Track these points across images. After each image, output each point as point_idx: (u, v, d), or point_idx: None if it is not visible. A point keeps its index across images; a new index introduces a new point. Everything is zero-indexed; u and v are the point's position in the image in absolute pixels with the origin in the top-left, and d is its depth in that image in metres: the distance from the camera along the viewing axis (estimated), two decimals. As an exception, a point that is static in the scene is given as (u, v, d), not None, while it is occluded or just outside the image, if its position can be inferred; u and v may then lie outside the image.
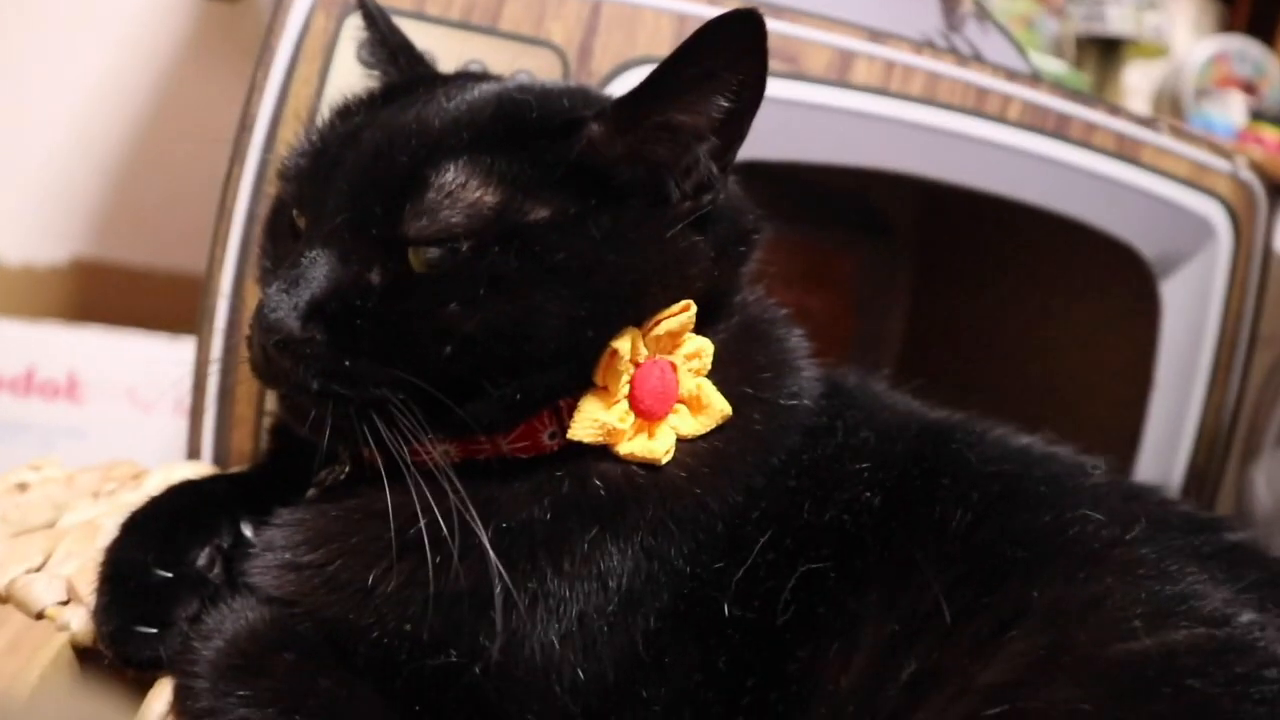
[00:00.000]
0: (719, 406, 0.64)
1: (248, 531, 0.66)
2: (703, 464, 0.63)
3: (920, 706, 0.54)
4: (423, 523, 0.57)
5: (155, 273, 1.80)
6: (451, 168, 0.59)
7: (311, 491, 0.66)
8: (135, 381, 1.43)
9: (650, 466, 0.62)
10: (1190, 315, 1.16)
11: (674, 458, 0.63)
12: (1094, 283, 1.26)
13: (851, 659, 0.57)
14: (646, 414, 0.62)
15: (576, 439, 0.61)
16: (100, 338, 1.44)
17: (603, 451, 0.62)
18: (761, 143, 0.96)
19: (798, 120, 0.98)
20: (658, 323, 0.62)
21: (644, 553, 0.60)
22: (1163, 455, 1.17)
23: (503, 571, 0.57)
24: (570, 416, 0.61)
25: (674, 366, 0.63)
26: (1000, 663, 0.54)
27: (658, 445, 0.62)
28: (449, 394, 0.58)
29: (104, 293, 1.80)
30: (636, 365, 0.62)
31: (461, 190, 0.58)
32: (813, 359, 0.72)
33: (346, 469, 0.66)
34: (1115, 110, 1.10)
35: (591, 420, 0.61)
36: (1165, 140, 1.10)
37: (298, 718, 0.55)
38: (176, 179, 1.79)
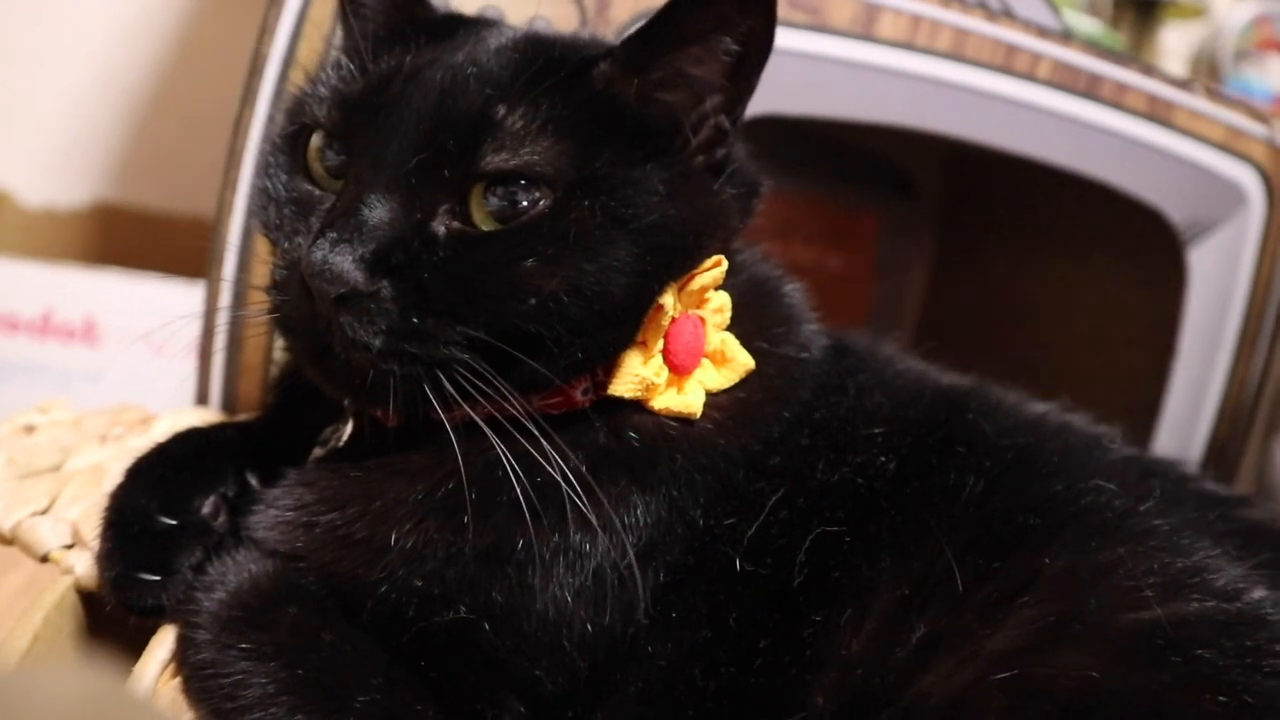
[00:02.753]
0: (743, 360, 0.64)
1: (253, 481, 0.66)
2: (727, 415, 0.64)
3: (929, 670, 0.54)
4: (463, 479, 0.56)
5: (175, 217, 1.80)
6: (520, 110, 0.57)
7: (317, 450, 0.66)
8: (152, 325, 1.43)
9: (683, 419, 0.62)
10: (1217, 284, 1.13)
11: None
12: (1120, 248, 1.24)
13: (863, 623, 0.57)
14: (679, 369, 0.62)
15: (617, 394, 0.60)
16: (118, 281, 1.44)
17: (635, 405, 0.62)
18: (782, 96, 0.95)
19: (820, 74, 0.96)
20: (692, 278, 0.62)
21: (667, 504, 0.60)
22: (1183, 426, 1.15)
23: (531, 527, 0.57)
24: (604, 374, 0.61)
25: (703, 321, 0.63)
26: (1010, 628, 0.54)
27: (692, 400, 0.62)
28: (510, 360, 0.56)
29: (124, 236, 1.80)
30: (672, 321, 0.62)
31: (538, 135, 0.57)
32: (813, 313, 0.72)
33: (349, 428, 0.65)
34: (1149, 71, 1.06)
35: (632, 375, 0.61)
36: (1199, 103, 1.07)
37: (300, 671, 0.55)
38: (198, 122, 1.78)
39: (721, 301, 0.64)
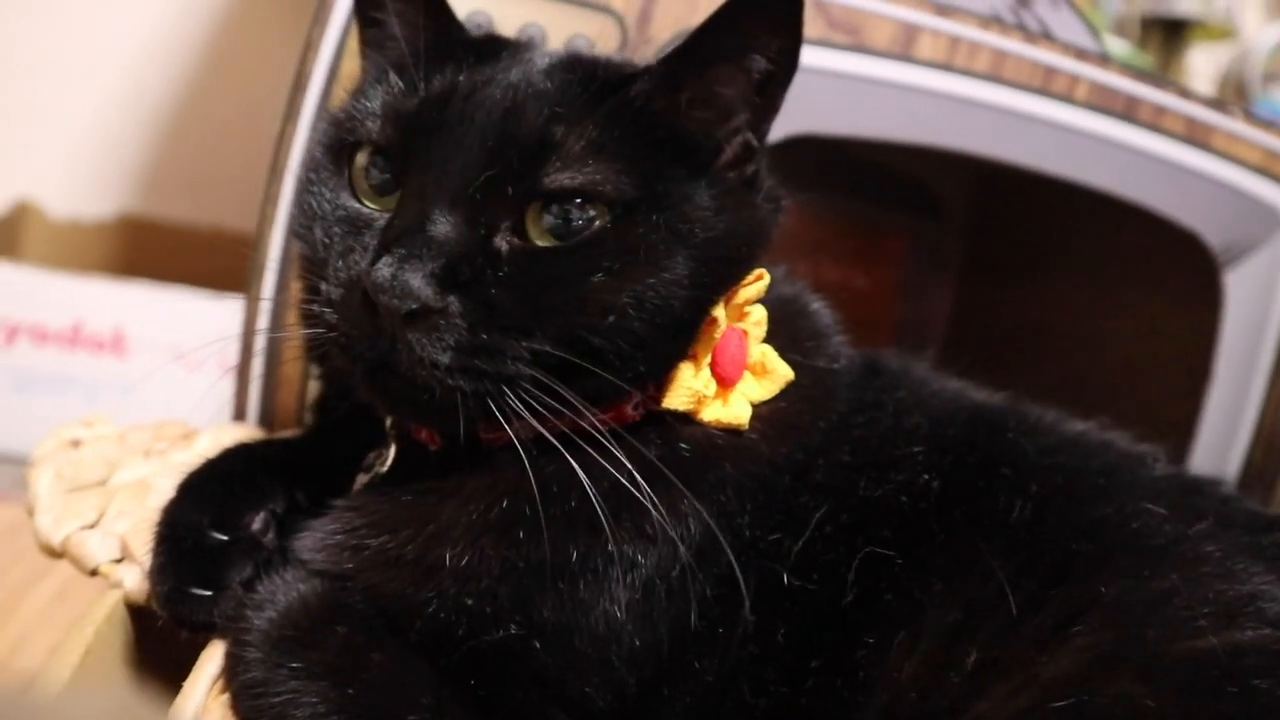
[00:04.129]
0: (783, 372, 0.65)
1: (301, 499, 0.66)
2: (769, 425, 0.64)
3: (984, 695, 0.54)
4: (519, 497, 0.57)
5: (200, 229, 1.81)
6: (577, 130, 0.57)
7: (362, 478, 0.66)
8: (180, 338, 1.44)
9: (729, 430, 0.63)
10: (1254, 307, 1.12)
11: None
12: (1153, 271, 1.23)
13: (915, 646, 0.57)
14: (724, 380, 0.63)
15: (671, 407, 0.61)
16: (146, 293, 1.45)
17: (684, 418, 0.62)
18: (821, 116, 0.95)
19: (858, 95, 0.96)
20: (736, 292, 0.63)
21: (716, 511, 0.60)
22: (1218, 451, 1.14)
23: (587, 539, 0.57)
24: (655, 389, 0.61)
25: (746, 334, 0.64)
26: (1065, 656, 0.54)
27: (739, 410, 0.63)
28: (573, 374, 0.56)
29: (150, 249, 1.80)
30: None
31: (596, 153, 0.57)
32: (839, 328, 0.73)
33: (392, 453, 0.65)
34: (1186, 93, 1.06)
35: (685, 388, 0.61)
36: (1237, 125, 1.07)
37: (350, 691, 0.54)
38: (223, 137, 1.80)
39: (761, 315, 0.65)
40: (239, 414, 0.90)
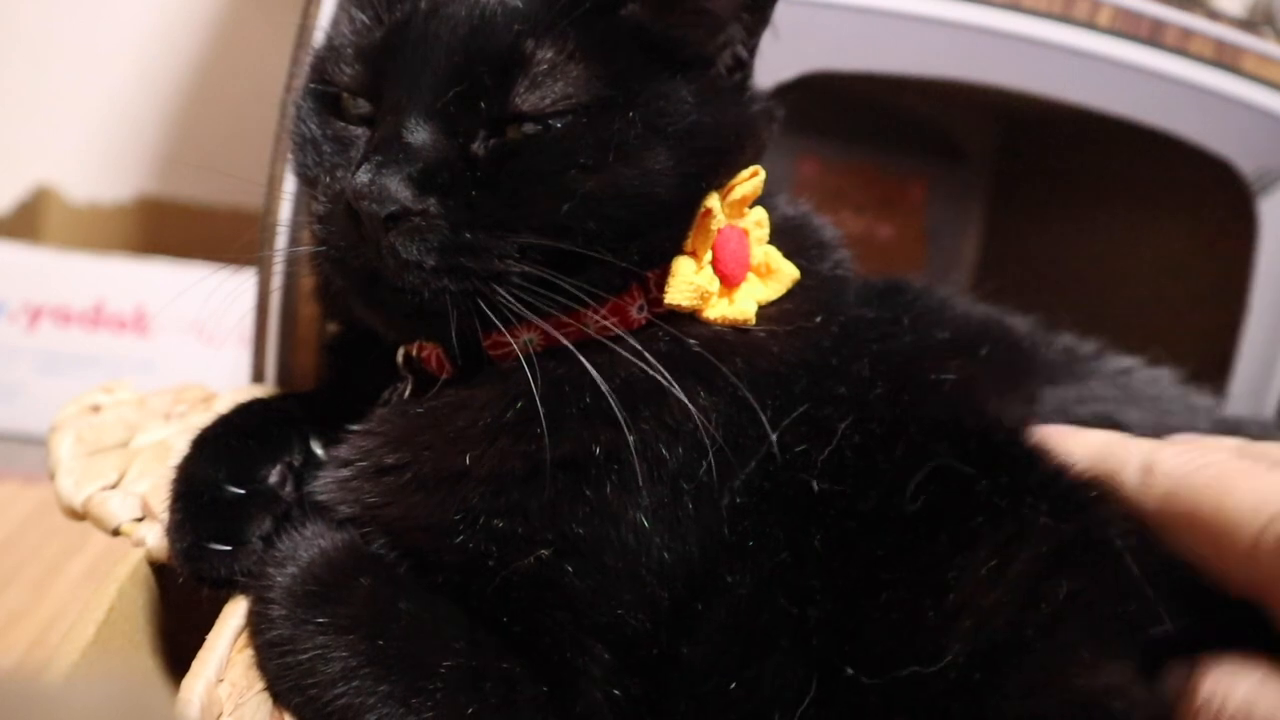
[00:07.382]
0: (788, 271, 0.64)
1: (317, 449, 0.65)
2: (777, 324, 0.63)
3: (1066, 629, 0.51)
4: (533, 397, 0.56)
5: (217, 209, 1.81)
6: (548, 43, 0.57)
7: (381, 412, 0.64)
8: (201, 315, 1.44)
9: (737, 327, 0.62)
10: (1290, 235, 1.09)
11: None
12: (1184, 202, 1.20)
13: (1005, 571, 0.52)
14: (728, 279, 0.62)
15: (674, 303, 0.60)
16: (167, 271, 1.45)
17: (689, 318, 0.61)
18: (835, 52, 0.93)
19: (874, 28, 0.93)
20: (732, 188, 0.62)
21: (735, 406, 0.59)
22: (1256, 384, 1.11)
23: (605, 431, 0.56)
24: (658, 289, 0.60)
25: (746, 233, 0.63)
26: None
27: (744, 306, 0.62)
28: (566, 267, 0.56)
29: (168, 230, 1.81)
30: (718, 231, 0.62)
31: (567, 64, 0.57)
32: (844, 244, 0.72)
33: (409, 387, 0.64)
34: (1214, 15, 1.03)
35: (687, 283, 0.60)
36: (1269, 47, 1.03)
37: (381, 643, 0.53)
38: (239, 115, 1.79)
39: (761, 215, 0.64)
40: (257, 376, 0.89)
